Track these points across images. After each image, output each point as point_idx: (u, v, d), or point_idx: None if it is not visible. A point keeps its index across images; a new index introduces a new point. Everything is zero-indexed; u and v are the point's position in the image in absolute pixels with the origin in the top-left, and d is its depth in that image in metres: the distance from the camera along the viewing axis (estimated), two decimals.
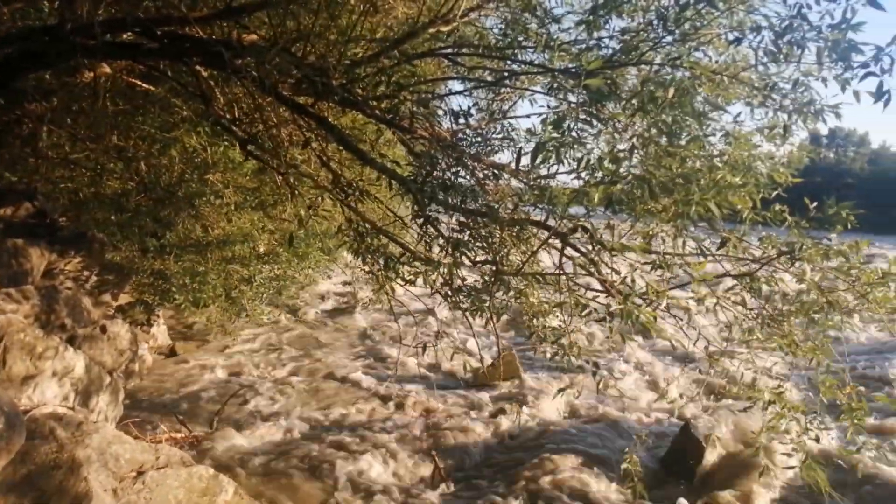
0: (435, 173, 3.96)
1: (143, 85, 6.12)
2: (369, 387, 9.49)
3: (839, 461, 5.24)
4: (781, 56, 3.67)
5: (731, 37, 3.92)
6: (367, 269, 4.68)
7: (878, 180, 70.18)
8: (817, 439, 3.82)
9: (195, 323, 11.41)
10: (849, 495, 6.26)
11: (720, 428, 6.65)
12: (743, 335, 4.09)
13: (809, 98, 3.88)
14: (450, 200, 3.93)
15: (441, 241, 4.14)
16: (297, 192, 5.56)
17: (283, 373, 10.42)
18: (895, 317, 3.93)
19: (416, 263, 4.30)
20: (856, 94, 3.36)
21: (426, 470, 6.84)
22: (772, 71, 3.96)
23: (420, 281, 4.51)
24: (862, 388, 3.87)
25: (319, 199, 5.23)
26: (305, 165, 5.83)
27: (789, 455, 3.91)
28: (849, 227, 3.81)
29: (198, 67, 5.15)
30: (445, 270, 4.01)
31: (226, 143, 6.64)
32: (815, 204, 3.87)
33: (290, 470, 6.75)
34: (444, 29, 4.74)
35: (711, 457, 6.41)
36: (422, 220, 3.96)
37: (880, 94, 3.15)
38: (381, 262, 4.39)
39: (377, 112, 4.78)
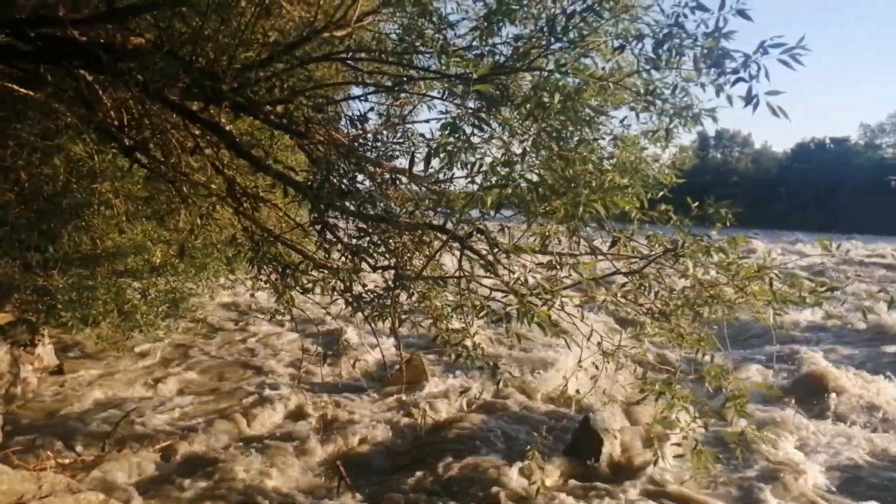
0: (333, 179, 3.91)
1: (21, 90, 5.74)
2: (271, 397, 9.25)
3: (727, 446, 5.58)
4: (662, 62, 3.86)
5: (615, 44, 4.08)
6: (264, 278, 4.56)
7: (760, 178, 75.15)
8: (705, 427, 4.03)
9: (85, 340, 10.79)
10: (736, 479, 6.67)
11: (617, 420, 6.94)
12: (634, 330, 4.27)
13: (688, 103, 4.10)
14: (348, 206, 3.90)
15: (340, 247, 4.10)
16: (190, 200, 5.36)
17: (181, 388, 10.01)
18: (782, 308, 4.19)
19: (315, 271, 4.23)
20: (729, 98, 3.59)
21: (330, 478, 6.75)
22: (655, 77, 4.16)
23: (327, 290, 4.45)
24: (744, 376, 4.12)
25: (214, 207, 5.06)
26: (201, 173, 5.64)
27: (679, 444, 4.11)
28: (728, 223, 4.05)
29: (82, 71, 4.89)
30: (345, 277, 3.97)
31: (114, 150, 6.32)
32: (696, 203, 4.08)
33: (189, 489, 6.49)
34: (339, 34, 4.69)
35: (610, 448, 6.67)
36: (320, 226, 3.91)
37: (749, 99, 3.38)
38: (279, 270, 4.29)
39: (272, 117, 4.68)
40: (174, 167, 5.02)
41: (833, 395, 9.97)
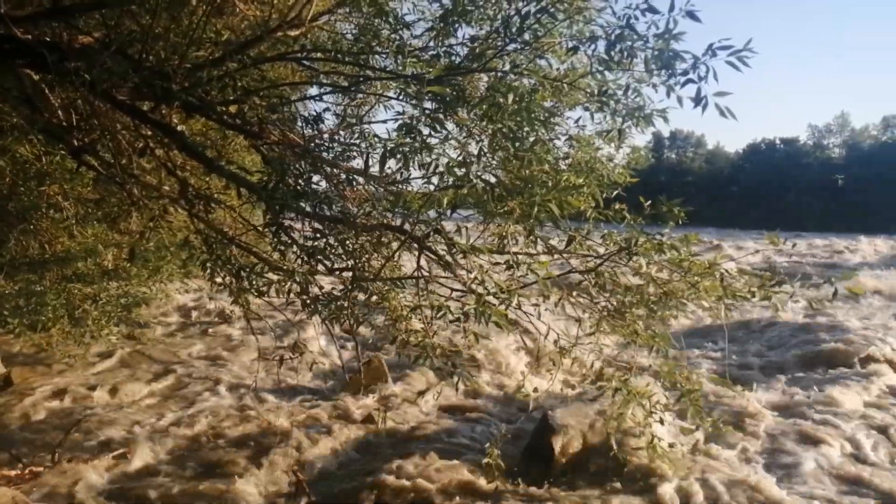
0: (288, 179, 3.87)
1: None
2: (229, 402, 9.09)
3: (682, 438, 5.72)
4: (614, 64, 3.91)
5: (569, 46, 4.12)
6: (218, 281, 4.49)
7: (713, 178, 76.83)
8: (661, 421, 4.11)
9: (35, 347, 10.45)
10: (691, 473, 6.79)
11: (576, 417, 7.01)
12: (591, 327, 4.32)
13: (640, 103, 4.17)
14: (304, 207, 3.86)
15: (296, 249, 4.06)
16: (141, 203, 5.24)
17: (136, 395, 9.76)
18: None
19: (271, 274, 4.18)
20: (679, 99, 3.65)
21: (287, 484, 6.67)
22: (608, 78, 4.22)
23: (282, 292, 4.40)
24: (699, 371, 4.21)
25: (165, 209, 4.95)
26: (153, 174, 5.52)
27: (637, 437, 4.17)
28: (680, 222, 4.13)
29: (27, 70, 4.74)
30: (301, 279, 3.93)
31: (62, 151, 6.15)
32: (649, 202, 4.15)
33: (143, 499, 6.34)
34: (293, 33, 4.65)
35: (569, 445, 6.73)
36: (275, 228, 3.86)
37: (698, 100, 3.46)
38: (234, 273, 4.23)
39: (225, 117, 4.61)
40: (124, 169, 4.90)
41: (784, 387, 10.28)
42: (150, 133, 4.96)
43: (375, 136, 4.17)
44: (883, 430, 8.46)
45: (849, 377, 10.74)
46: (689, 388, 4.05)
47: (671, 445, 3.99)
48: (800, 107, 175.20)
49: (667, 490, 6.11)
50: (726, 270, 3.70)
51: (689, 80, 3.49)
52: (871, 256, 30.90)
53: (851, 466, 7.32)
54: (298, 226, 4.26)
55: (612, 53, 3.85)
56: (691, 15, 3.56)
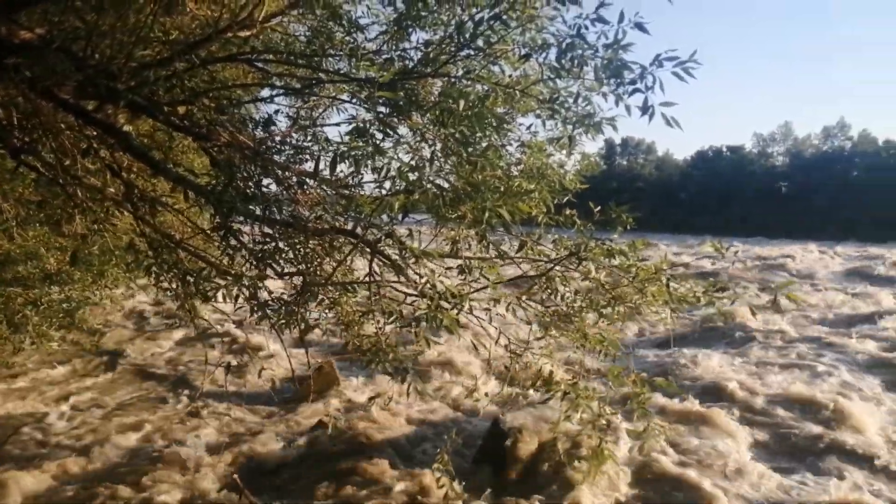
0: (237, 182, 3.80)
1: None
2: (175, 409, 8.89)
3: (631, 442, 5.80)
4: (565, 72, 3.97)
5: (522, 53, 4.17)
6: (164, 286, 4.38)
7: (663, 184, 78.64)
8: (608, 424, 4.17)
9: None
10: (639, 476, 6.93)
11: (527, 420, 7.07)
12: (541, 331, 4.37)
13: (590, 111, 4.24)
14: (253, 210, 3.80)
15: (245, 253, 3.99)
16: (84, 205, 5.08)
17: (80, 401, 9.47)
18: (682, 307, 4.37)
19: (219, 279, 4.10)
20: (627, 108, 3.73)
21: (231, 491, 6.55)
22: (560, 86, 4.28)
23: (230, 297, 4.31)
24: (645, 375, 4.29)
25: (109, 212, 4.81)
26: (97, 176, 5.35)
27: (585, 439, 4.22)
28: (628, 227, 4.20)
29: None
30: (250, 284, 3.86)
31: (1, 151, 5.92)
32: (598, 208, 4.22)
33: None
34: (244, 34, 4.57)
35: (520, 448, 6.78)
36: (223, 231, 3.78)
37: (645, 109, 3.54)
38: (180, 278, 4.13)
39: (173, 118, 4.51)
40: (67, 170, 4.74)
41: (727, 388, 10.59)
42: (94, 133, 4.82)
43: (327, 139, 4.13)
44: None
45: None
46: (636, 391, 4.12)
47: (608, 445, 4.07)
48: (746, 115, 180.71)
49: (614, 490, 6.22)
50: (672, 276, 3.78)
51: (637, 90, 3.57)
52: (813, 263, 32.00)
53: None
54: (248, 229, 4.19)
55: (563, 62, 3.91)
56: (639, 26, 3.65)
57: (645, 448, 4.46)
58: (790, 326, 14.46)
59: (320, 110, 5.99)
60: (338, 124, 8.30)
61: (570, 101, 4.18)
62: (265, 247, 3.93)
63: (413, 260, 3.48)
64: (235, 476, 6.71)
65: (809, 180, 68.75)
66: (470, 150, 3.93)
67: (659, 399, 9.12)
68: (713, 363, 12.17)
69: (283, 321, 3.92)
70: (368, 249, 3.81)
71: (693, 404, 9.46)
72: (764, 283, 22.57)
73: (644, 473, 6.92)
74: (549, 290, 4.20)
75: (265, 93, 5.95)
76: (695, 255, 20.55)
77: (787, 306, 14.48)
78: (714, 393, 10.48)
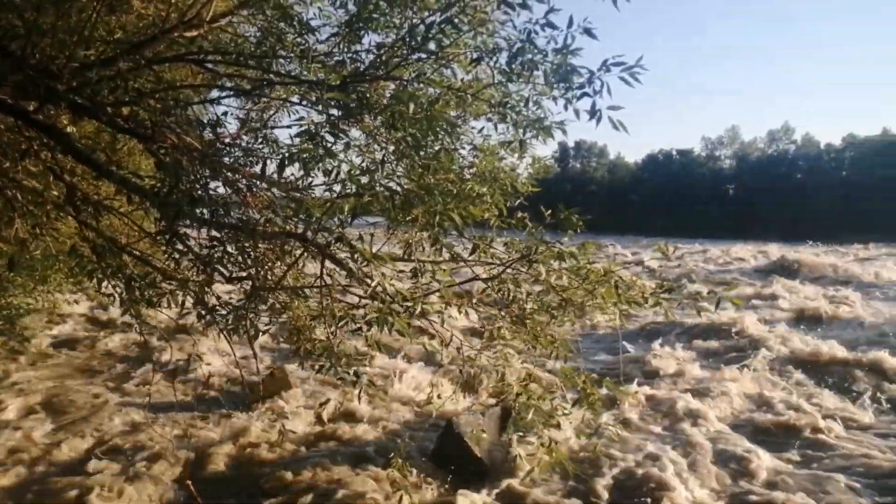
0: (183, 185, 3.71)
1: None
2: (123, 415, 8.64)
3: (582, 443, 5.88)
4: (515, 76, 4.01)
5: (473, 56, 4.19)
6: (108, 292, 4.26)
7: (615, 187, 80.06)
8: (558, 425, 4.21)
9: None
10: (590, 474, 7.03)
11: (480, 422, 7.11)
12: (493, 334, 4.39)
13: (541, 115, 4.29)
14: (200, 214, 3.72)
15: (191, 257, 3.90)
16: (25, 208, 4.90)
17: (21, 407, 9.13)
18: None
19: (165, 284, 4.00)
20: (576, 112, 3.78)
21: (182, 499, 6.41)
22: (512, 90, 4.31)
23: (175, 302, 4.21)
24: (595, 376, 4.35)
25: (51, 215, 4.66)
26: (39, 179, 5.17)
27: (539, 441, 4.26)
28: (578, 230, 4.26)
29: None
30: (196, 288, 3.79)
31: None
32: (549, 211, 4.26)
33: None
34: (191, 34, 4.48)
35: (474, 449, 6.80)
36: (169, 235, 3.70)
37: (593, 113, 3.59)
38: (125, 283, 4.02)
39: (117, 119, 4.39)
40: (6, 173, 4.58)
41: (673, 383, 10.86)
42: (34, 135, 4.66)
43: (275, 141, 4.08)
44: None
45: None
46: (586, 392, 4.18)
47: (558, 445, 4.12)
48: (696, 119, 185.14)
49: (566, 487, 6.30)
50: (620, 277, 3.84)
51: (585, 94, 3.62)
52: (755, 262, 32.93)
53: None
54: (196, 233, 4.10)
55: (514, 66, 3.94)
56: (588, 32, 3.70)
57: (596, 445, 4.54)
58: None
59: (271, 112, 5.91)
60: (289, 126, 8.18)
61: (521, 105, 4.22)
62: (212, 251, 3.85)
63: (364, 263, 3.45)
64: (188, 482, 6.57)
65: (755, 182, 70.86)
66: (422, 153, 3.93)
67: (612, 397, 9.27)
68: (664, 359, 12.44)
69: (231, 326, 3.86)
70: (319, 253, 3.77)
71: (641, 401, 9.66)
72: (711, 282, 23.19)
73: (596, 468, 7.02)
74: (501, 293, 4.22)
75: (215, 94, 5.86)
76: (643, 258, 20.95)
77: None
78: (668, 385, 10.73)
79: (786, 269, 27.50)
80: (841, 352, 13.00)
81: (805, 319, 17.21)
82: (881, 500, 6.85)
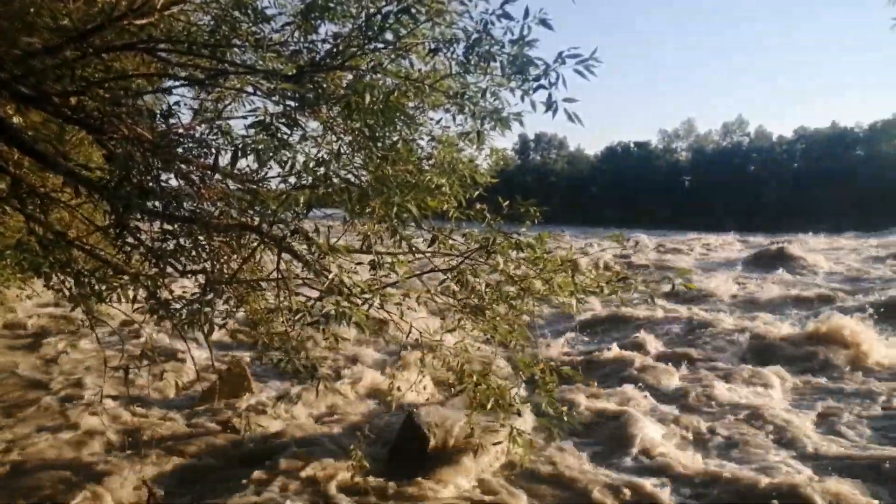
0: (133, 177, 3.62)
1: None
2: (76, 416, 8.42)
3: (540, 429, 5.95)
4: (472, 67, 4.01)
5: (430, 47, 4.17)
6: (55, 287, 4.14)
7: (574, 179, 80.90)
8: (518, 413, 4.25)
9: None
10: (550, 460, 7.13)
11: (440, 413, 7.13)
12: (453, 324, 4.40)
13: (498, 106, 4.30)
14: (152, 206, 3.64)
15: (143, 251, 3.81)
16: None
17: None
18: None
19: (116, 278, 3.90)
20: (532, 103, 3.80)
21: (141, 499, 6.30)
22: (470, 81, 4.31)
23: (126, 297, 4.11)
24: (552, 363, 4.39)
25: None
26: None
27: (497, 430, 4.30)
28: (536, 221, 4.29)
29: None
30: (148, 283, 3.70)
31: None
32: (507, 202, 4.29)
33: None
34: (141, 22, 4.37)
35: (434, 441, 6.83)
36: (119, 228, 3.60)
37: (549, 105, 3.62)
38: (73, 277, 3.91)
39: (65, 110, 4.26)
40: None
41: (630, 374, 11.07)
42: None
43: (227, 133, 4.00)
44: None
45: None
46: (544, 381, 4.22)
47: (522, 434, 4.16)
48: (654, 112, 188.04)
49: (526, 477, 6.37)
50: (577, 266, 3.89)
51: (541, 86, 3.64)
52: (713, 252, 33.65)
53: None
54: (147, 226, 4.01)
55: (471, 57, 3.95)
56: (544, 23, 3.72)
57: (554, 435, 4.59)
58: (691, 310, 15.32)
59: (226, 102, 5.81)
60: (244, 117, 8.03)
61: (479, 96, 4.23)
62: (165, 244, 3.77)
63: (321, 256, 3.42)
64: (146, 481, 6.45)
65: (710, 174, 72.33)
66: (379, 144, 3.91)
67: (571, 386, 9.39)
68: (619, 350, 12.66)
69: (185, 321, 3.78)
70: (275, 245, 3.73)
71: (599, 391, 9.81)
72: (667, 272, 23.62)
73: (555, 460, 7.11)
74: (460, 284, 4.23)
75: (168, 84, 5.72)
76: (600, 248, 21.25)
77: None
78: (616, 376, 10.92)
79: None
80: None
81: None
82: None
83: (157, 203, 3.63)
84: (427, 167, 4.57)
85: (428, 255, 4.25)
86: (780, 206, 62.80)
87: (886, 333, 13.41)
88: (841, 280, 22.83)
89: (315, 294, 3.87)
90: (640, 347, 13.02)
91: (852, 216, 54.72)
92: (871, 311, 14.34)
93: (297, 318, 3.63)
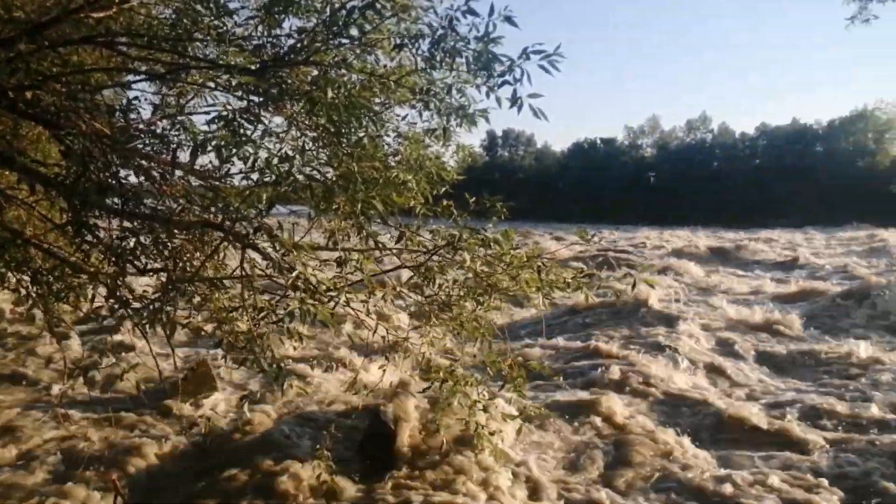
0: (91, 173, 3.54)
1: None
2: (34, 416, 8.18)
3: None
4: (438, 63, 4.00)
5: (395, 43, 4.15)
6: (11, 287, 4.03)
7: (542, 175, 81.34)
8: (485, 409, 4.26)
9: None
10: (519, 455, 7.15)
11: (408, 410, 7.11)
12: (420, 321, 4.40)
13: (464, 103, 4.30)
14: (111, 203, 3.56)
15: (102, 249, 3.73)
16: None
17: None
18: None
19: (74, 277, 3.81)
20: (498, 100, 3.81)
21: (106, 499, 6.16)
22: (436, 77, 4.30)
23: (84, 297, 4.02)
24: (521, 359, 4.42)
25: None
26: None
27: (465, 426, 4.31)
28: (503, 217, 4.31)
29: None
30: (108, 282, 3.62)
31: None
32: (474, 199, 4.30)
33: None
34: (98, 15, 4.26)
35: (402, 438, 6.80)
36: (77, 226, 3.52)
37: (514, 101, 3.63)
38: (29, 277, 3.81)
39: (19, 105, 4.14)
40: None
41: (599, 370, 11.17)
42: None
43: (185, 128, 3.94)
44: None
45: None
46: (512, 376, 4.24)
47: (493, 433, 4.19)
48: (620, 108, 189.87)
49: (495, 473, 6.39)
50: (543, 263, 3.91)
51: (506, 82, 3.65)
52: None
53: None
54: (107, 224, 3.92)
55: (436, 53, 3.94)
56: (509, 20, 3.73)
57: (521, 429, 4.63)
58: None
59: (188, 98, 5.72)
60: (207, 113, 7.90)
61: (444, 92, 4.22)
62: (124, 242, 3.69)
63: (285, 253, 3.38)
64: (114, 477, 6.30)
65: (675, 170, 73.34)
66: (344, 140, 3.88)
67: (542, 382, 9.44)
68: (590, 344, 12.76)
69: (146, 320, 3.71)
70: (239, 243, 3.68)
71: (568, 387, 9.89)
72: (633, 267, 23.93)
73: (524, 455, 7.15)
74: (426, 280, 4.23)
75: (129, 78, 5.59)
76: (569, 244, 21.36)
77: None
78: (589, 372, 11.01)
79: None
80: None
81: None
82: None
83: (116, 200, 3.55)
84: (393, 164, 4.56)
85: (395, 251, 4.24)
86: (744, 201, 63.91)
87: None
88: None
89: (282, 292, 3.83)
90: (613, 339, 13.12)
91: (815, 212, 55.92)
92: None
93: (260, 316, 3.59)
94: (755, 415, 8.60)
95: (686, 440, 7.81)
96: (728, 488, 6.50)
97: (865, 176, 60.32)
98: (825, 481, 6.66)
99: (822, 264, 25.35)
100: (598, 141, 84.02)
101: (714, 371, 11.26)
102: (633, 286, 3.76)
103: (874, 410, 8.73)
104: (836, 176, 61.71)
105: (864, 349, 11.87)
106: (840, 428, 8.35)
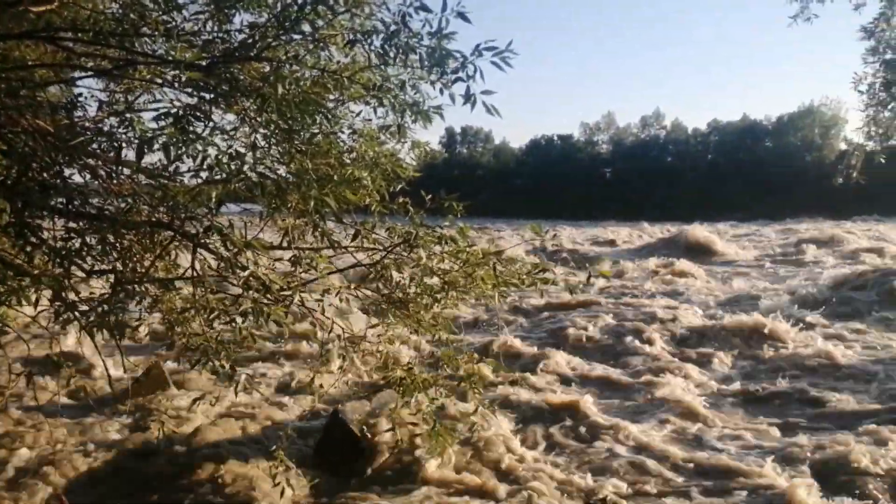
0: (33, 172, 3.43)
1: None
2: None
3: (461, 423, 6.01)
4: (391, 59, 3.98)
5: (348, 38, 4.11)
6: None
7: (500, 172, 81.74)
8: (441, 407, 4.26)
9: None
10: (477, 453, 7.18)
11: (365, 410, 7.09)
12: (377, 319, 4.38)
13: (418, 99, 4.29)
14: (54, 203, 3.45)
15: (46, 250, 3.61)
16: None
17: None
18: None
19: (18, 279, 3.68)
20: (451, 96, 3.81)
21: None
22: (391, 73, 4.28)
23: (27, 300, 3.88)
24: (476, 356, 4.43)
25: None
26: None
27: (422, 424, 4.30)
28: (458, 215, 4.30)
29: None
30: (52, 284, 3.50)
31: None
32: (430, 196, 4.28)
33: None
34: (38, 9, 4.13)
35: (359, 438, 6.76)
36: (19, 227, 3.40)
37: (468, 97, 3.63)
38: None
39: None
40: None
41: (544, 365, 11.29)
42: None
43: (133, 125, 3.84)
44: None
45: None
46: (468, 373, 4.25)
47: (453, 430, 4.19)
48: (578, 105, 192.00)
49: (451, 472, 6.41)
50: (499, 260, 3.92)
51: (459, 79, 3.65)
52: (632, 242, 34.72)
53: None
54: (52, 224, 3.79)
55: (389, 49, 3.92)
56: (462, 16, 3.72)
57: (475, 427, 4.65)
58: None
59: (136, 94, 5.57)
60: (156, 109, 7.71)
61: (398, 88, 4.20)
62: (69, 243, 3.58)
63: (237, 252, 3.32)
64: (60, 494, 6.13)
65: (629, 166, 74.50)
66: (297, 137, 3.83)
67: (498, 380, 9.48)
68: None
69: (93, 323, 3.60)
70: (189, 242, 3.60)
71: (523, 385, 9.97)
72: (588, 262, 24.25)
73: (483, 452, 7.17)
74: (383, 278, 4.21)
75: (75, 74, 5.42)
76: (524, 240, 21.59)
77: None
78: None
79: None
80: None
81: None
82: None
83: (60, 199, 3.44)
84: (348, 161, 4.51)
85: (350, 249, 4.20)
86: (697, 196, 65.18)
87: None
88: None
89: (234, 292, 3.76)
90: (571, 336, 13.26)
91: (764, 206, 57.39)
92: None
93: (212, 316, 3.53)
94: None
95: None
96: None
97: (813, 170, 62.13)
98: None
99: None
100: (556, 137, 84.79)
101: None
102: (588, 280, 3.80)
103: None
104: (785, 171, 63.46)
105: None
106: None
